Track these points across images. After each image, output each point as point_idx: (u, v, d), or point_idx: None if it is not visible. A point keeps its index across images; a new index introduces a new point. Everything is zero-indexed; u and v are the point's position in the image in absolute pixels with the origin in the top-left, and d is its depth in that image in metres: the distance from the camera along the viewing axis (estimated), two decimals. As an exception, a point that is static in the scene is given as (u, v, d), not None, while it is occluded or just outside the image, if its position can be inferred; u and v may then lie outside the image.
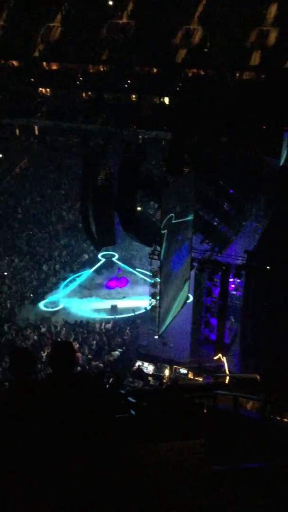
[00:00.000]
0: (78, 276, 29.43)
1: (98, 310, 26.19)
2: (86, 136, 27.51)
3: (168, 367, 21.40)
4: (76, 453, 3.71)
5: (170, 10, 39.68)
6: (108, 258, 30.45)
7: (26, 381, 3.97)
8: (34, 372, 4.15)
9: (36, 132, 43.16)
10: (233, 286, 23.44)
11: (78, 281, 29.01)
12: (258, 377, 15.98)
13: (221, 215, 22.11)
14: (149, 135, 36.92)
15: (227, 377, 18.95)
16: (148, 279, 24.02)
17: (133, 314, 25.49)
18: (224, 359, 20.89)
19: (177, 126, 22.22)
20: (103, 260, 30.37)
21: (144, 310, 24.84)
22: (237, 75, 36.88)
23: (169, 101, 39.32)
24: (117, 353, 22.28)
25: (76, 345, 21.91)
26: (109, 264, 30.36)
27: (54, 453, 3.64)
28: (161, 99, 40.03)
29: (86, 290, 28.03)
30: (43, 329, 24.02)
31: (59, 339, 22.73)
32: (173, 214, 18.56)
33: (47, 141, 41.23)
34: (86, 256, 31.63)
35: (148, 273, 23.40)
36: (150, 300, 21.01)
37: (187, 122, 20.68)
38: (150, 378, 20.84)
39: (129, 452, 4.41)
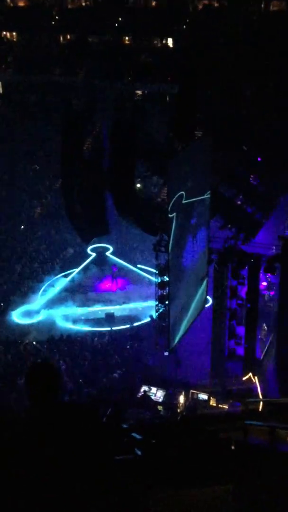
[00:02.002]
0: (61, 277, 29.45)
1: (90, 321, 26.22)
2: (66, 93, 27.47)
3: (183, 393, 21.42)
4: (68, 509, 3.73)
5: None
6: (100, 253, 30.44)
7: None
8: (59, 394, 4.15)
9: (0, 89, 43.11)
10: (264, 284, 23.39)
11: (62, 283, 29.02)
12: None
13: (247, 191, 22.07)
14: (149, 89, 36.80)
15: (261, 403, 18.95)
16: (153, 278, 24.01)
17: (135, 324, 25.48)
18: (255, 380, 20.89)
19: (185, 75, 22.11)
20: (93, 255, 30.36)
21: (149, 319, 24.80)
22: (262, 5, 36.64)
23: (174, 44, 39.14)
24: (115, 375, 22.32)
25: (62, 367, 21.93)
26: (101, 260, 30.35)
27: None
28: (164, 41, 39.86)
29: (73, 295, 28.06)
30: (18, 348, 24.05)
31: (39, 360, 22.79)
32: (183, 192, 18.52)
33: (15, 101, 41.14)
34: (71, 251, 31.60)
35: (153, 270, 23.38)
36: (157, 305, 20.97)
37: (198, 70, 20.60)
38: (159, 407, 20.87)
39: (135, 505, 4.42)
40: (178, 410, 20.57)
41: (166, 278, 19.76)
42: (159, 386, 21.60)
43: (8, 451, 3.86)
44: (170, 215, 18.03)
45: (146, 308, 25.87)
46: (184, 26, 37.69)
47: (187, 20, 37.89)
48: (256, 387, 20.74)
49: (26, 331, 25.64)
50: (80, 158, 19.27)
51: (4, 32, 42.96)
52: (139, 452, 5.87)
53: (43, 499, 3.75)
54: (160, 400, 21.25)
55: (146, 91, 36.85)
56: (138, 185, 20.04)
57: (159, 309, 20.88)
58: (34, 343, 24.47)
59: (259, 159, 22.12)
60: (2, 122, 40.63)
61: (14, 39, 43.11)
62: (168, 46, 39.74)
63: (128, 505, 4.34)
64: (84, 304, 27.44)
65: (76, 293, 28.24)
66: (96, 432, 4.15)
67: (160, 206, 19.90)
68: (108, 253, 30.55)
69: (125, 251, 31.28)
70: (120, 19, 39.87)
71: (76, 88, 34.13)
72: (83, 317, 26.60)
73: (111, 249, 30.63)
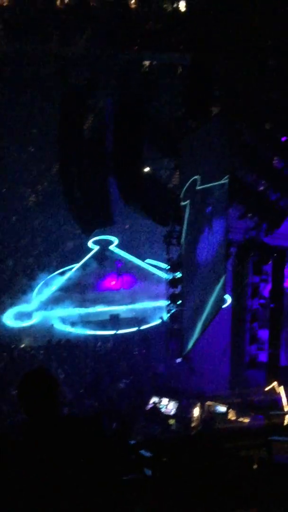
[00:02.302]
0: (59, 274, 29.52)
1: (92, 323, 26.27)
2: (64, 64, 27.42)
3: (198, 404, 21.46)
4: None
5: None
6: (103, 246, 30.48)
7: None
8: (57, 406, 4.15)
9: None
10: (291, 280, 23.36)
11: (60, 281, 29.09)
12: None
13: (270, 175, 22.00)
14: (159, 60, 36.68)
15: (286, 416, 18.95)
16: (164, 275, 24.01)
17: (143, 327, 25.51)
18: (281, 390, 20.89)
19: (200, 44, 22.03)
20: (95, 248, 30.40)
21: (159, 321, 24.82)
22: None
23: (187, 6, 38.99)
24: (121, 385, 22.37)
25: (61, 375, 22.01)
26: (104, 254, 30.39)
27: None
28: (174, 5, 39.72)
29: (73, 294, 28.11)
30: (10, 354, 24.14)
31: (33, 368, 22.87)
32: (197, 177, 18.51)
33: (5, 75, 41.15)
34: (70, 244, 31.67)
35: (164, 265, 23.39)
36: (168, 305, 20.99)
37: (214, 38, 20.51)
38: (171, 421, 20.91)
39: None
40: (192, 424, 20.60)
41: (178, 275, 19.76)
42: (170, 397, 21.62)
43: (2, 471, 3.86)
44: (182, 203, 18.02)
45: (156, 309, 25.91)
46: (198, -13, 37.54)
47: (201, -20, 37.75)
48: (281, 398, 20.73)
49: (19, 335, 25.72)
50: (80, 138, 19.28)
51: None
52: (148, 472, 5.88)
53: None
54: (172, 413, 21.27)
55: (155, 62, 36.74)
56: (147, 169, 19.96)
57: (170, 309, 20.89)
58: (28, 348, 24.54)
59: (283, 138, 22.01)
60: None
61: (4, 3, 43.06)
62: (180, 11, 39.58)
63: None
64: (85, 304, 27.49)
65: (76, 292, 28.29)
66: (100, 449, 4.14)
67: (172, 192, 19.87)
68: (112, 247, 30.58)
69: (131, 244, 31.33)
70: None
71: (76, 59, 34.06)
72: (84, 319, 26.65)
73: (116, 241, 30.67)
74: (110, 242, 30.65)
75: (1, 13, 42.03)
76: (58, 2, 42.52)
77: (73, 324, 26.32)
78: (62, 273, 29.63)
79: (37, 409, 4.00)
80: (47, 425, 3.97)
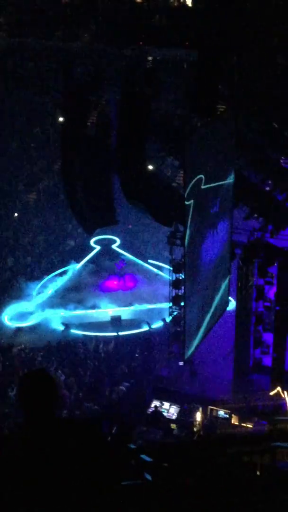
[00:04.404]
0: (60, 274, 29.51)
1: (93, 325, 26.25)
2: (67, 60, 27.43)
3: (200, 409, 21.44)
4: None
5: None
6: (106, 246, 30.46)
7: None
8: (57, 409, 4.14)
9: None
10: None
11: (61, 281, 29.08)
12: None
13: (277, 175, 21.99)
14: (164, 56, 36.65)
15: (291, 422, 18.95)
16: (167, 276, 24.00)
17: (144, 329, 25.51)
18: (285, 395, 20.88)
19: (206, 39, 22.03)
20: (97, 248, 30.39)
21: (161, 323, 24.80)
22: None
23: (194, 2, 38.97)
24: (122, 388, 22.37)
25: (61, 378, 22.00)
26: (106, 254, 30.38)
27: None
28: (181, -1, 39.71)
29: (73, 294, 28.11)
30: (9, 355, 24.14)
31: (33, 369, 22.86)
32: (202, 176, 18.49)
33: (8, 70, 41.16)
34: (71, 243, 31.66)
35: (167, 266, 23.38)
36: (170, 307, 20.98)
37: (221, 33, 20.50)
38: (172, 426, 20.90)
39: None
40: (195, 429, 20.58)
41: (181, 276, 19.75)
42: (172, 401, 21.61)
43: (0, 474, 3.86)
44: (187, 203, 18.01)
45: (158, 311, 25.86)
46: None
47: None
48: (286, 404, 20.72)
49: (18, 336, 25.71)
50: (83, 135, 19.27)
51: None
52: (148, 477, 5.87)
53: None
54: (174, 417, 21.27)
55: (160, 58, 36.72)
56: (150, 167, 19.98)
57: (173, 311, 20.91)
58: (27, 350, 24.53)
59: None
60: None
61: (7, -4, 43.06)
62: (186, 5, 39.56)
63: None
64: (86, 305, 27.46)
65: (76, 292, 28.26)
66: (100, 453, 4.13)
67: (176, 191, 19.86)
68: (114, 246, 30.57)
69: (134, 244, 31.32)
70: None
71: (80, 55, 34.06)
72: (84, 321, 26.62)
73: (118, 241, 30.66)
74: (113, 242, 30.63)
75: (4, 7, 42.07)
76: (62, -4, 42.51)
77: (73, 325, 26.29)
78: (63, 273, 29.60)
79: (36, 411, 3.99)
80: (46, 427, 3.96)
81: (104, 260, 30.23)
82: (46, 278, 29.23)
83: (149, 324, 25.38)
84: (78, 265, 29.80)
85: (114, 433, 10.77)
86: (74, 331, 25.78)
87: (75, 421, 4.28)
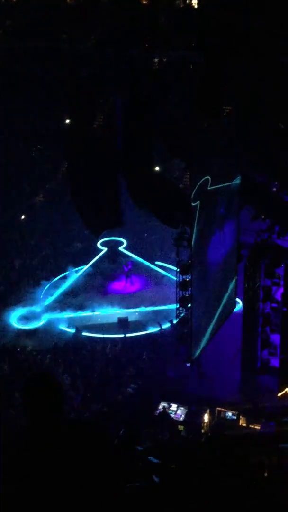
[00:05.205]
0: (67, 276, 29.52)
1: (99, 327, 26.25)
2: (73, 62, 27.49)
3: (208, 410, 21.42)
4: None
5: None
6: (112, 247, 30.46)
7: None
8: (63, 411, 4.15)
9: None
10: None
11: (68, 283, 29.09)
12: None
13: (283, 176, 21.97)
14: (170, 58, 36.66)
15: (299, 423, 18.90)
16: (173, 278, 23.99)
17: (152, 330, 25.51)
18: (293, 396, 20.86)
19: (212, 41, 22.04)
20: (104, 250, 30.39)
21: (169, 325, 24.78)
22: None
23: (200, 2, 38.94)
24: (130, 390, 22.36)
25: (67, 380, 22.01)
26: (113, 256, 30.38)
27: None
28: (187, 1, 39.70)
29: (80, 296, 28.12)
30: (15, 357, 24.16)
31: (35, 372, 22.85)
32: (209, 177, 18.48)
33: (14, 72, 41.20)
34: (78, 245, 31.65)
35: (174, 268, 23.36)
36: (177, 309, 20.96)
37: (227, 35, 20.50)
38: (180, 427, 20.88)
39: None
40: (202, 431, 20.57)
41: (188, 277, 19.74)
42: (180, 402, 21.60)
43: (5, 477, 3.87)
44: (193, 204, 18.01)
45: (165, 312, 25.85)
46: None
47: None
48: (293, 405, 20.70)
49: (25, 338, 25.72)
50: (89, 137, 19.31)
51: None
52: (156, 479, 5.87)
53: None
54: (181, 418, 21.25)
55: (165, 60, 36.72)
56: (157, 169, 20.00)
57: (180, 313, 20.87)
58: (34, 352, 24.55)
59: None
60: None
61: (14, 0, 43.15)
62: (193, 6, 39.54)
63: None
64: (93, 307, 27.46)
65: (83, 294, 28.27)
66: (107, 455, 4.14)
67: (182, 193, 19.86)
68: (121, 248, 30.57)
69: (141, 245, 31.28)
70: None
71: (85, 56, 34.10)
72: (91, 322, 26.62)
73: (125, 243, 30.64)
74: (119, 244, 30.62)
75: (11, 9, 42.13)
76: (68, -2, 42.53)
77: (80, 327, 26.29)
78: (70, 275, 29.60)
79: (41, 414, 4.00)
80: (51, 430, 3.97)
81: (111, 262, 30.23)
82: (53, 280, 29.25)
83: (160, 325, 25.34)
84: (85, 267, 29.80)
85: (121, 435, 10.75)
86: (85, 333, 25.80)
87: (82, 423, 4.28)
